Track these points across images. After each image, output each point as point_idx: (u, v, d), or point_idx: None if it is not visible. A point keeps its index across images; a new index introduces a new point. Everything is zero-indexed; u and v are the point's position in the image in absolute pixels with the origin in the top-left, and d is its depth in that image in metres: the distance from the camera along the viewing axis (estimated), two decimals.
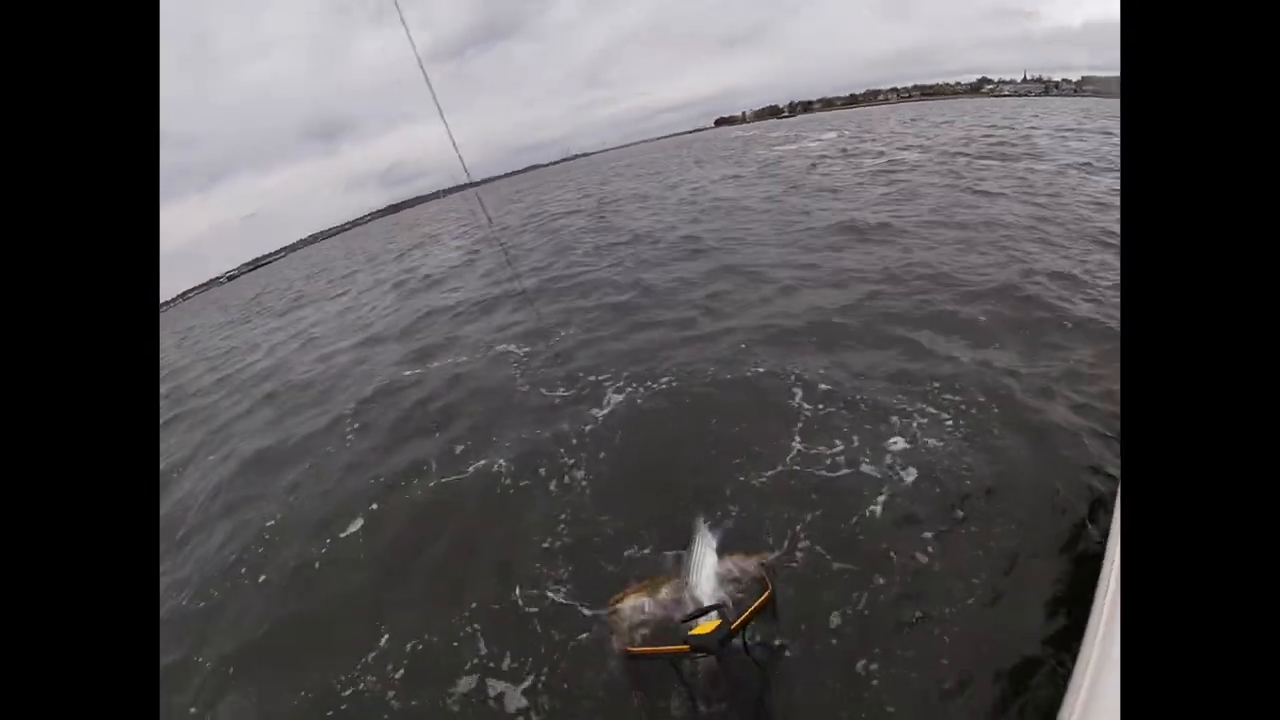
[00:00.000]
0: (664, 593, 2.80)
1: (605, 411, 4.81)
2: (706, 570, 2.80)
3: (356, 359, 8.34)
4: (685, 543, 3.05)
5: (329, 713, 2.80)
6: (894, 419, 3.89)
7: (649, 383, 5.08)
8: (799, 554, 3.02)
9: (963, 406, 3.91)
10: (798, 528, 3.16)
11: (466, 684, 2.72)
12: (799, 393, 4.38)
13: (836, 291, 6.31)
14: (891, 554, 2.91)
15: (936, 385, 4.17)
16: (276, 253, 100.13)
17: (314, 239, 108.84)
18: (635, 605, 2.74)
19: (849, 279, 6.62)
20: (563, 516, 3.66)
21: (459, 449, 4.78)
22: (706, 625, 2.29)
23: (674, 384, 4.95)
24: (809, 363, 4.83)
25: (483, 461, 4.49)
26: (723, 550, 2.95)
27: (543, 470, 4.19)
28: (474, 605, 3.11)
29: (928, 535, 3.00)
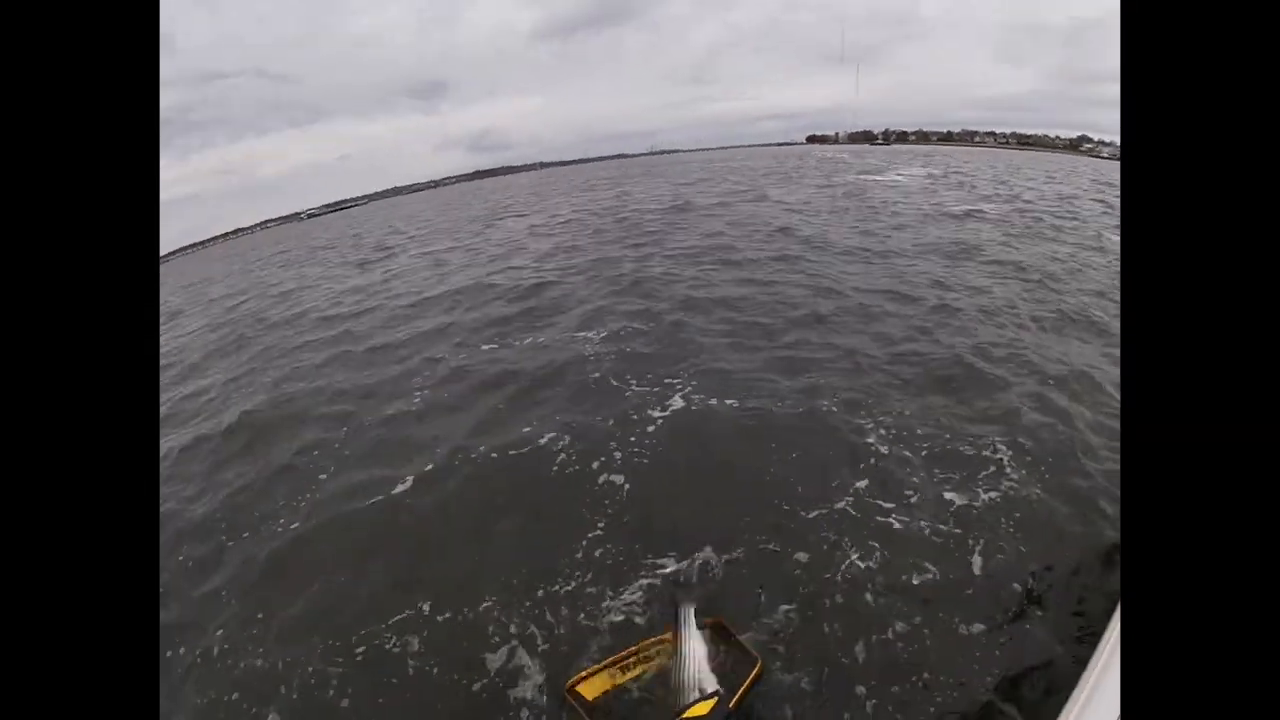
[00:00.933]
0: (638, 670, 2.54)
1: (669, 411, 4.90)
2: (694, 653, 2.54)
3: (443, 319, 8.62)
4: (663, 607, 2.81)
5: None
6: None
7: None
8: (791, 621, 2.86)
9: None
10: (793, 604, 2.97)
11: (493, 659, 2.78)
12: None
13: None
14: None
15: None
16: (359, 198, 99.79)
17: (397, 191, 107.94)
18: (602, 686, 2.47)
19: None
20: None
21: (521, 421, 4.97)
22: (702, 706, 2.17)
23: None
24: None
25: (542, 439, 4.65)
26: (706, 620, 2.71)
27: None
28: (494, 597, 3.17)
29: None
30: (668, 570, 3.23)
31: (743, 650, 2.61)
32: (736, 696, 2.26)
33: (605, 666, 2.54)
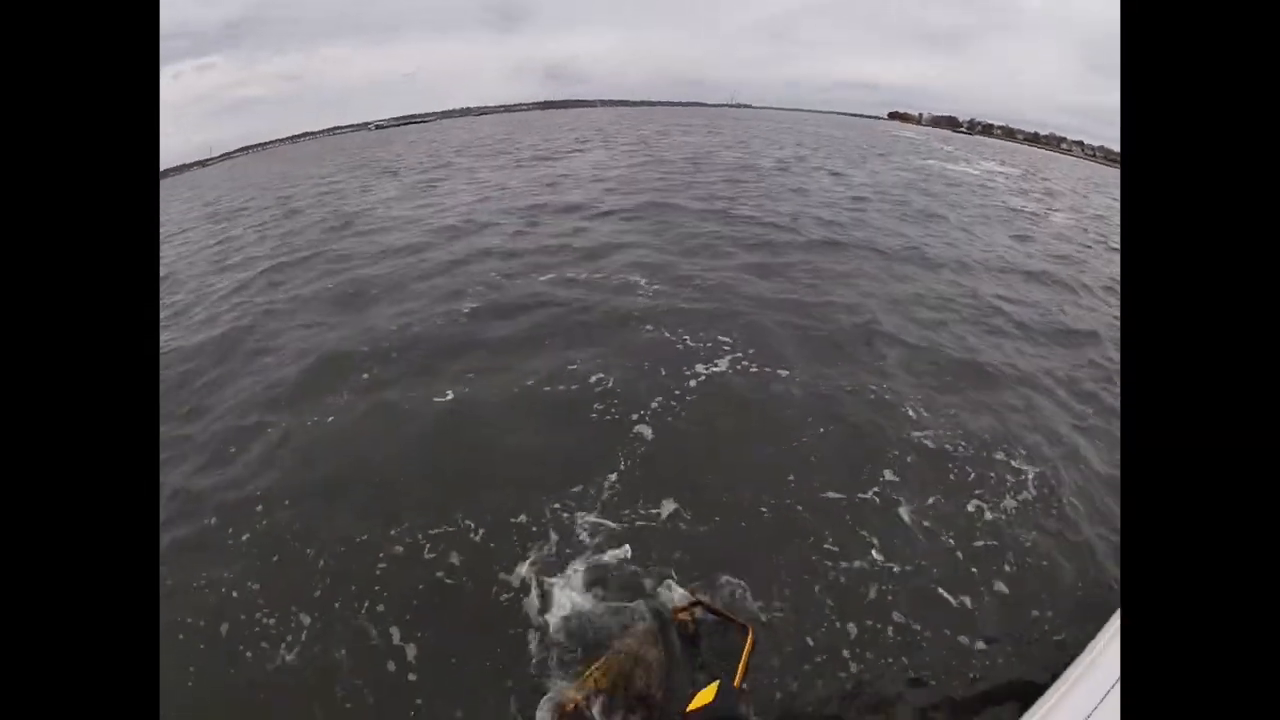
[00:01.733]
0: (625, 679, 2.32)
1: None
2: (677, 646, 2.39)
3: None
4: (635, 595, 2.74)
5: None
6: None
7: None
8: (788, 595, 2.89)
9: None
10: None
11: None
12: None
13: None
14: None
15: None
16: (429, 114, 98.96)
17: (467, 112, 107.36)
18: (584, 701, 2.27)
19: None
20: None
21: (566, 358, 5.09)
22: (706, 693, 2.00)
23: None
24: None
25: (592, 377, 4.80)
26: (683, 602, 2.66)
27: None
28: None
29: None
30: (664, 514, 3.38)
31: (728, 620, 2.54)
32: (738, 674, 2.19)
33: (583, 684, 2.37)
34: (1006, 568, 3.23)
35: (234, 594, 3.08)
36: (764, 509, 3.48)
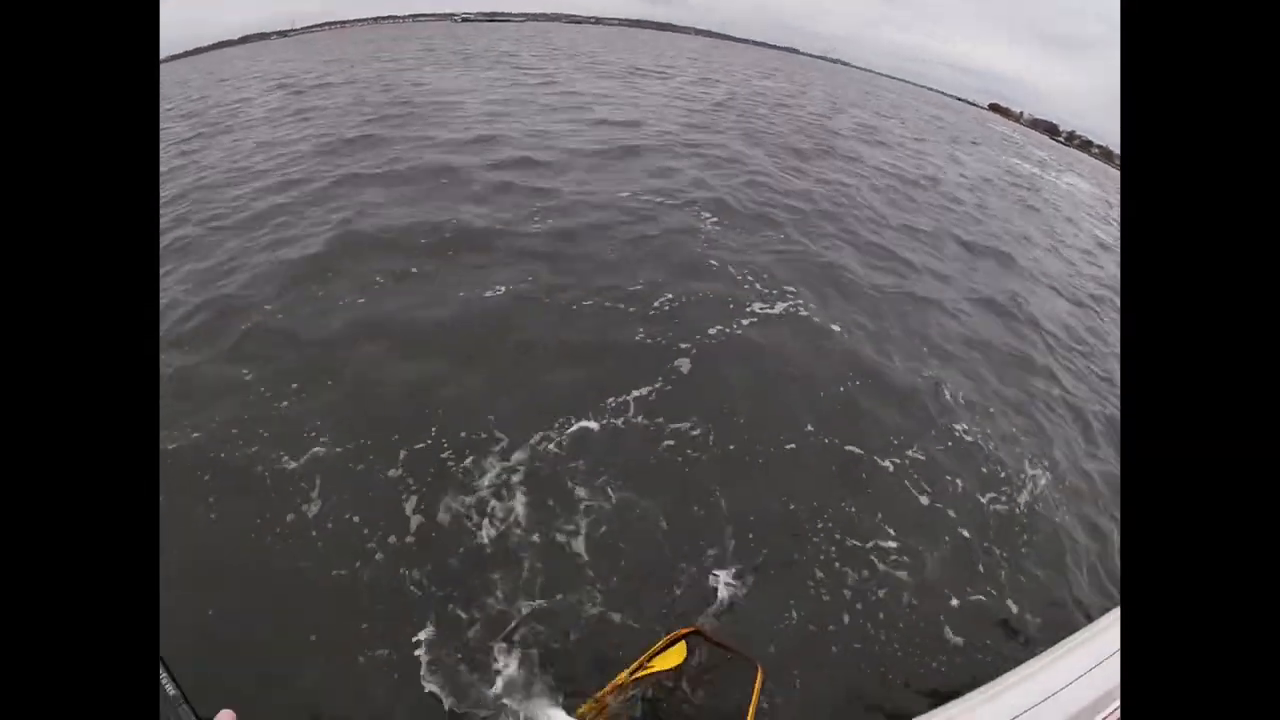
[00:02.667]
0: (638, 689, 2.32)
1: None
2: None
3: None
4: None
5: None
6: None
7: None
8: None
9: None
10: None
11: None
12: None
13: None
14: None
15: None
16: (516, 15, 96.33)
17: (555, 17, 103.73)
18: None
19: None
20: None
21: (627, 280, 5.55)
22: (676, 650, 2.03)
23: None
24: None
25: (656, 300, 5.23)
26: (682, 631, 2.62)
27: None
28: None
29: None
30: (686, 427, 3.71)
31: (733, 654, 2.47)
32: (749, 716, 2.16)
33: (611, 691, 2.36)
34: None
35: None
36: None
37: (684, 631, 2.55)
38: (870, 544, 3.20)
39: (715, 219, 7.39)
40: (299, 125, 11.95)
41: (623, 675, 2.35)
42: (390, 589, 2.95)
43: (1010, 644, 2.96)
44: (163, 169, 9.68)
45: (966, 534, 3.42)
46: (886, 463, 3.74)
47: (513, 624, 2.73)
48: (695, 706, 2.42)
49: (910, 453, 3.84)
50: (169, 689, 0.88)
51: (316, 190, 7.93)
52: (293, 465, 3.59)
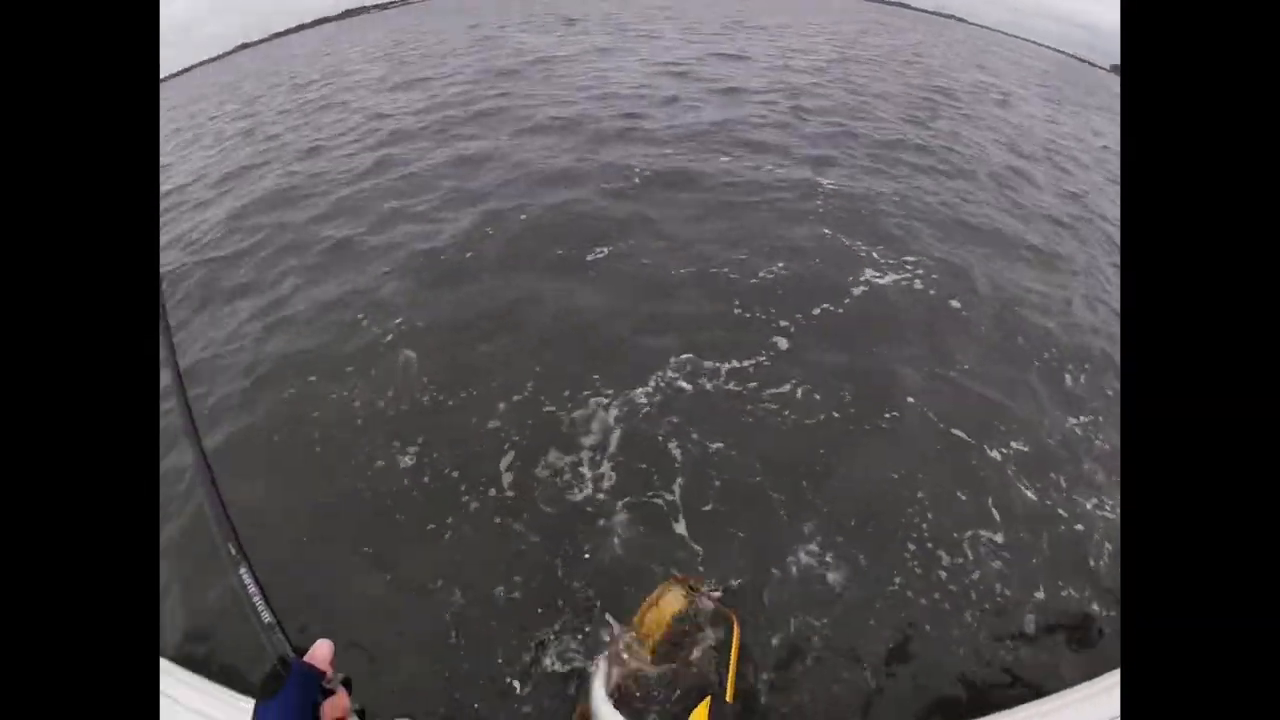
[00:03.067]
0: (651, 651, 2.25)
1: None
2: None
3: None
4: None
5: None
6: None
7: None
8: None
9: None
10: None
11: None
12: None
13: None
14: None
15: None
16: None
17: None
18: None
19: None
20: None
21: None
22: (698, 714, 1.85)
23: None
24: None
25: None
26: (674, 578, 2.60)
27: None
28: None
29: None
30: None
31: (715, 605, 2.36)
32: (729, 683, 2.00)
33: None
34: None
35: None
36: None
37: (675, 580, 2.53)
38: (969, 532, 3.15)
39: (834, 184, 7.21)
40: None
41: (649, 629, 2.38)
42: (484, 538, 3.18)
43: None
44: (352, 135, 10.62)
45: (1076, 530, 3.34)
46: (995, 453, 3.64)
47: (595, 578, 2.90)
48: (692, 660, 2.40)
49: (1016, 444, 3.70)
50: (265, 616, 0.89)
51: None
52: (393, 412, 3.97)
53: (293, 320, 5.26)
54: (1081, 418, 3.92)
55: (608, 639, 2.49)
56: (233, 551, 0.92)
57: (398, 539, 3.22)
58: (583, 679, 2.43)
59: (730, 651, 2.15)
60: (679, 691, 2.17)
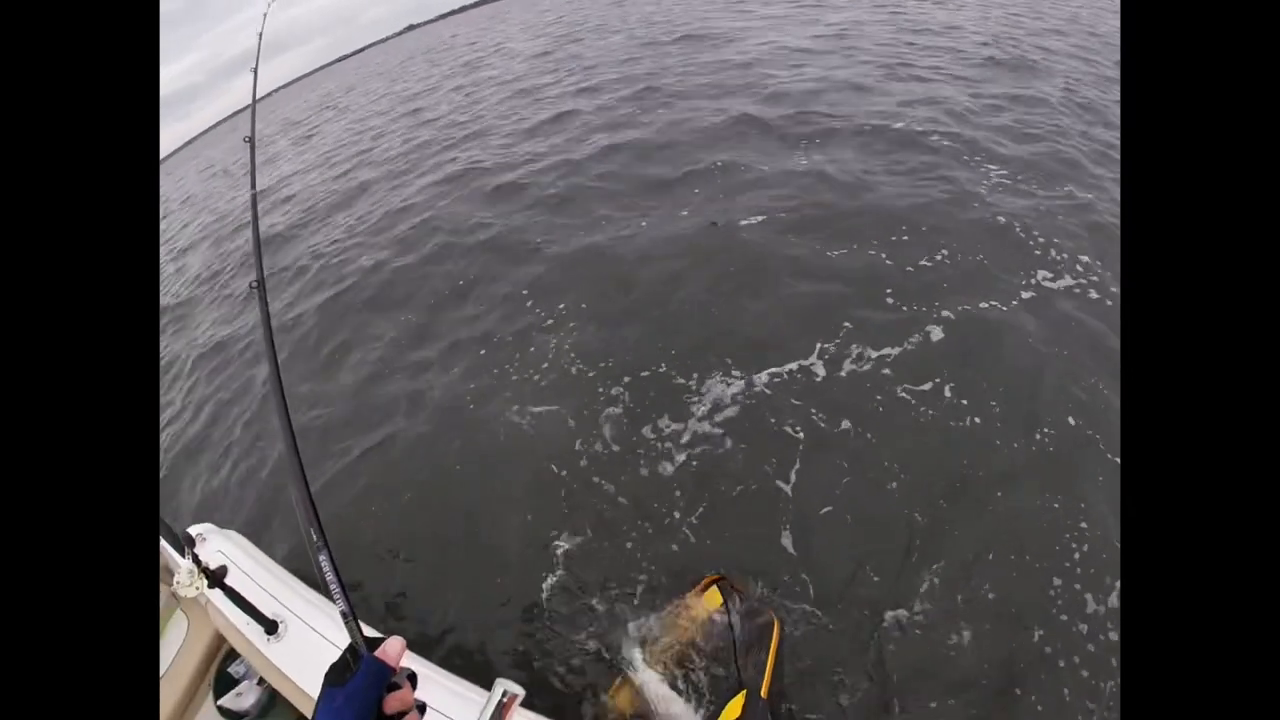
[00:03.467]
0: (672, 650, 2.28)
1: None
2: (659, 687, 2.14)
3: None
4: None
5: None
6: None
7: None
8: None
9: None
10: None
11: None
12: None
13: None
14: None
15: None
16: None
17: None
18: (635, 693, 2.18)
19: None
20: None
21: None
22: (731, 707, 1.84)
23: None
24: None
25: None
26: (707, 578, 2.55)
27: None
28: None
29: None
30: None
31: (754, 604, 2.33)
32: (765, 680, 1.96)
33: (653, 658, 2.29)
34: None
35: None
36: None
37: (711, 578, 2.52)
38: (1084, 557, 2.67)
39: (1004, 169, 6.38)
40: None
41: (673, 614, 2.42)
42: (582, 495, 3.41)
43: None
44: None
45: None
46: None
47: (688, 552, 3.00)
48: (726, 658, 2.36)
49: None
50: (341, 605, 0.93)
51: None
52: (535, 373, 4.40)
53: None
54: None
55: (641, 631, 2.51)
56: (314, 538, 0.95)
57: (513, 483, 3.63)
58: (623, 649, 2.46)
59: (770, 649, 2.14)
60: (711, 686, 2.17)
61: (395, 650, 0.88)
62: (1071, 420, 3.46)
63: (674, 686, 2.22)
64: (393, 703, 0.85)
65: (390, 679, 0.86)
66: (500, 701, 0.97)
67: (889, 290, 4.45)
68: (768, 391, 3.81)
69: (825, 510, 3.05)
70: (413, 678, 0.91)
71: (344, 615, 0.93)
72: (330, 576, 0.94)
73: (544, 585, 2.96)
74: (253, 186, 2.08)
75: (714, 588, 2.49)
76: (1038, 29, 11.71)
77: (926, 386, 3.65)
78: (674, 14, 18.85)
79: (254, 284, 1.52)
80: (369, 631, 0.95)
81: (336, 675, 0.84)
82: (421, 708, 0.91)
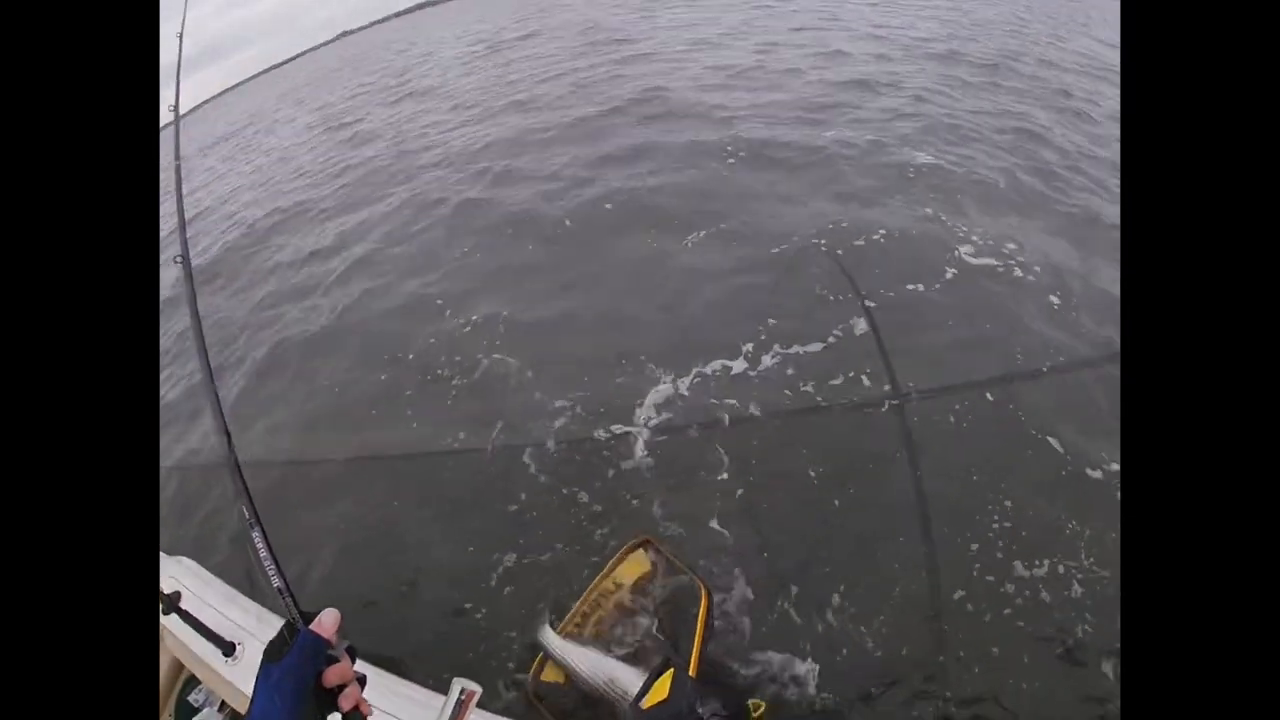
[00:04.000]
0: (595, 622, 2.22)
1: None
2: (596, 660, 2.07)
3: None
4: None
5: None
6: None
7: None
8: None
9: None
10: None
11: None
12: None
13: None
14: None
15: None
16: None
17: None
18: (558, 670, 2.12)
19: None
20: None
21: None
22: (659, 685, 1.77)
23: None
24: None
25: None
26: (635, 540, 2.51)
27: None
28: None
29: None
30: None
31: (680, 570, 2.27)
32: (694, 657, 1.92)
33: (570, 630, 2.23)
34: None
35: None
36: None
37: (638, 541, 2.48)
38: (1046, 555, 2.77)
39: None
40: None
41: (597, 585, 2.36)
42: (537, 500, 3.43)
43: None
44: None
45: None
46: (1097, 472, 3.15)
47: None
48: (657, 624, 2.33)
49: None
50: (275, 581, 0.93)
51: None
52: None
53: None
54: None
55: (559, 608, 2.50)
56: (246, 515, 0.94)
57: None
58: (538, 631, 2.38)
59: (697, 623, 2.09)
60: (641, 662, 2.06)
61: (330, 622, 0.88)
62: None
63: (600, 653, 2.13)
64: (332, 675, 0.85)
65: (327, 651, 0.86)
66: (459, 699, 0.98)
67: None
68: (686, 393, 3.94)
69: (749, 500, 3.20)
70: (352, 651, 0.91)
71: (279, 591, 0.92)
72: (264, 553, 0.94)
73: (468, 590, 2.99)
74: (176, 157, 2.04)
75: (640, 551, 2.43)
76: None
77: (838, 381, 3.87)
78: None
79: (178, 258, 1.46)
80: (310, 609, 0.94)
81: (274, 651, 0.85)
82: (362, 680, 0.90)
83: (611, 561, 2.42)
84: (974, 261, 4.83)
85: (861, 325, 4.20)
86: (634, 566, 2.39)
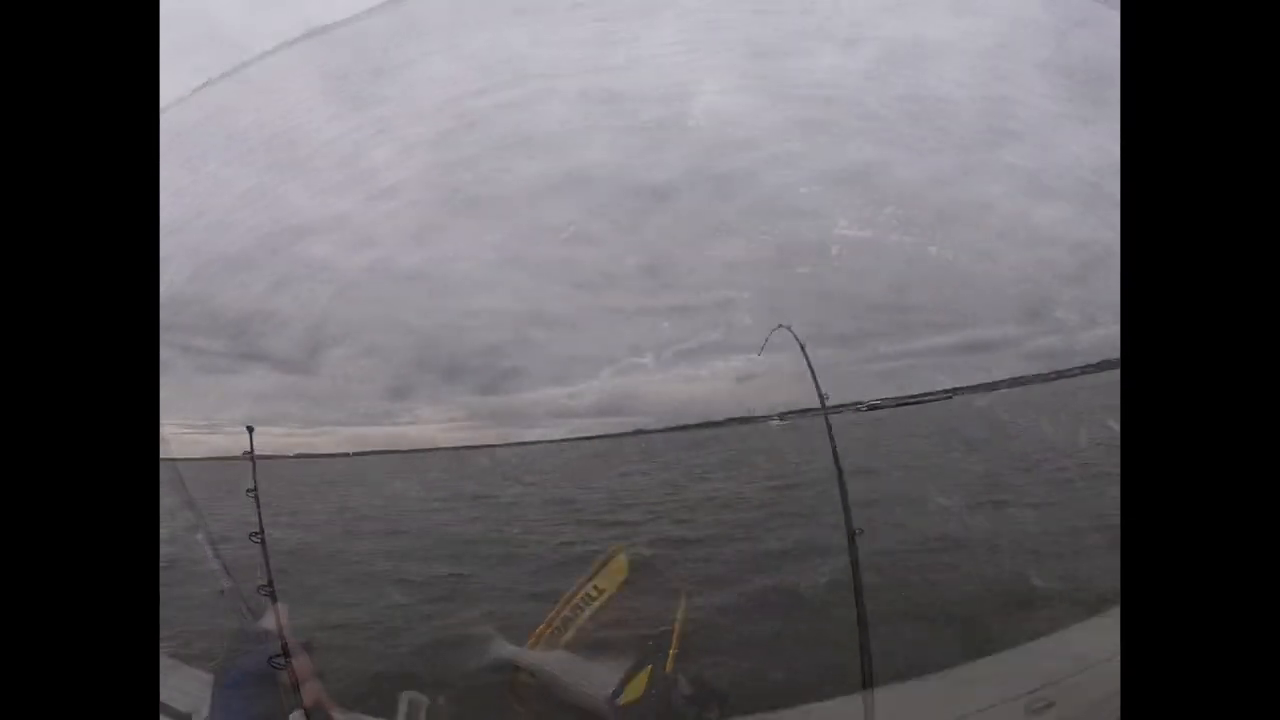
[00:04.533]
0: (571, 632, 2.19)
1: None
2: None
3: None
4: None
5: None
6: None
7: None
8: None
9: None
10: None
11: None
12: None
13: None
14: None
15: None
16: None
17: None
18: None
19: None
20: None
21: None
22: (636, 683, 1.78)
23: None
24: None
25: None
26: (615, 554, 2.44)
27: None
28: None
29: None
30: None
31: (659, 577, 2.31)
32: (670, 656, 1.91)
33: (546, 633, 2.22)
34: None
35: None
36: None
37: (616, 550, 2.44)
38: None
39: None
40: None
41: (576, 592, 2.35)
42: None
43: None
44: None
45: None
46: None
47: None
48: (634, 632, 2.28)
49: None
50: (223, 582, 0.93)
51: None
52: None
53: None
54: None
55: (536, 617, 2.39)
56: (191, 518, 0.95)
57: None
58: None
59: (675, 623, 2.09)
60: (617, 659, 2.02)
61: (274, 623, 0.91)
62: None
63: (576, 662, 2.07)
64: (291, 672, 0.89)
65: (283, 647, 0.89)
66: (405, 713, 0.98)
67: None
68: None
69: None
70: (309, 646, 0.92)
71: (229, 593, 0.92)
72: (210, 555, 0.94)
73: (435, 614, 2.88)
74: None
75: (618, 559, 2.40)
76: None
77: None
78: None
79: None
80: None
81: (224, 654, 0.86)
82: (319, 675, 0.91)
83: (591, 568, 2.42)
84: None
85: None
86: (613, 573, 2.39)
